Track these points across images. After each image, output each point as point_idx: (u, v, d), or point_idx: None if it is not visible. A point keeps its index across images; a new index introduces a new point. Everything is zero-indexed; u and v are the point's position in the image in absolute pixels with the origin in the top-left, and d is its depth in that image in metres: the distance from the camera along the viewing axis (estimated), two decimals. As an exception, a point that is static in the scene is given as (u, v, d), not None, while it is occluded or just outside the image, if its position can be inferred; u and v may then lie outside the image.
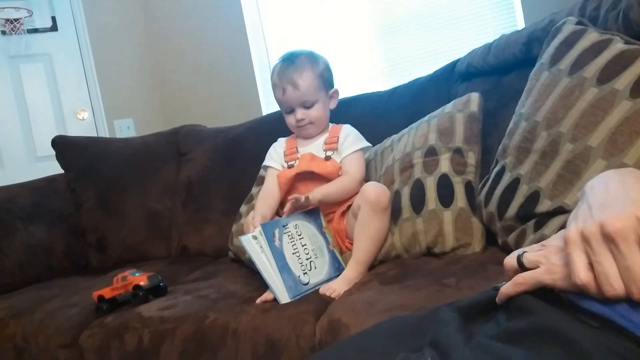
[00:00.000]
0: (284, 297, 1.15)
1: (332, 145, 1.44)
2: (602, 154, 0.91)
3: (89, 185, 2.11)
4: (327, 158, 1.42)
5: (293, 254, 1.22)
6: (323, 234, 1.33)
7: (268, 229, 1.21)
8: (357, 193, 1.38)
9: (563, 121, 0.99)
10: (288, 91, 1.40)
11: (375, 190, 1.26)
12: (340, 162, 1.42)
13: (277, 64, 1.45)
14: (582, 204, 0.50)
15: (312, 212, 1.33)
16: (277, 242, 1.21)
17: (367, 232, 1.26)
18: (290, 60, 1.42)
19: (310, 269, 1.23)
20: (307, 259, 1.24)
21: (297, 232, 1.27)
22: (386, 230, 1.29)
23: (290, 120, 1.46)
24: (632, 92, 0.91)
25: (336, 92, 1.50)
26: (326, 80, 1.45)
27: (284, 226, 1.25)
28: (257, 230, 1.20)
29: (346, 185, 1.38)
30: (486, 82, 1.50)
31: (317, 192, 1.33)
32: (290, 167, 1.45)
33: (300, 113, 1.42)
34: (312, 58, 1.44)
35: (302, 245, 1.25)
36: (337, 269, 1.29)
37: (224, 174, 1.97)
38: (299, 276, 1.20)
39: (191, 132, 2.19)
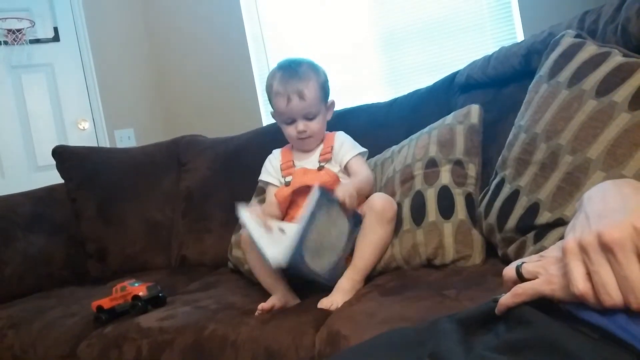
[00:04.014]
0: (280, 256, 1.12)
1: (326, 155, 1.43)
2: (601, 166, 0.91)
3: (89, 195, 2.11)
4: (320, 168, 1.41)
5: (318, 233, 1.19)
6: (351, 239, 1.28)
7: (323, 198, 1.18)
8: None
9: (562, 133, 1.00)
10: (294, 101, 1.35)
11: (381, 201, 1.26)
12: (345, 166, 1.41)
13: (277, 72, 1.40)
14: (580, 214, 0.50)
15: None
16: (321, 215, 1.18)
17: (368, 240, 1.25)
18: (293, 69, 1.38)
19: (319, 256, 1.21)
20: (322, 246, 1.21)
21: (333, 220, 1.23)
22: (388, 241, 1.28)
23: (290, 131, 1.42)
24: (631, 105, 0.91)
25: (333, 103, 1.48)
26: (326, 92, 1.43)
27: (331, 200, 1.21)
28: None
29: (367, 178, 1.37)
30: (485, 94, 1.50)
31: (349, 186, 1.26)
32: (287, 183, 1.42)
33: (302, 125, 1.39)
34: (314, 67, 1.41)
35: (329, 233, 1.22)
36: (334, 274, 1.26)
37: (224, 184, 1.98)
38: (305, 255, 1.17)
39: (192, 142, 2.20)
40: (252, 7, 3.28)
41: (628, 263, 0.43)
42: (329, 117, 1.48)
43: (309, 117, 1.39)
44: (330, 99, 1.47)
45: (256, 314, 1.17)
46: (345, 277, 1.24)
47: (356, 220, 1.28)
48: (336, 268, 1.27)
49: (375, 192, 1.38)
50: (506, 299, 0.54)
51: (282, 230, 1.24)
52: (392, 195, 1.36)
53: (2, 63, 3.15)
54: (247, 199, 1.74)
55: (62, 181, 2.19)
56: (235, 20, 3.26)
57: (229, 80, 3.32)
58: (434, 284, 1.10)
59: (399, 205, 1.32)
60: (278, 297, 1.21)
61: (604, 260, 0.44)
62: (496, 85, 1.50)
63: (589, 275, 0.45)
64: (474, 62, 1.59)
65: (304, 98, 1.35)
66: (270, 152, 1.56)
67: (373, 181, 1.42)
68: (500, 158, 1.19)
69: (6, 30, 3.09)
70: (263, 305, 1.17)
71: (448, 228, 1.23)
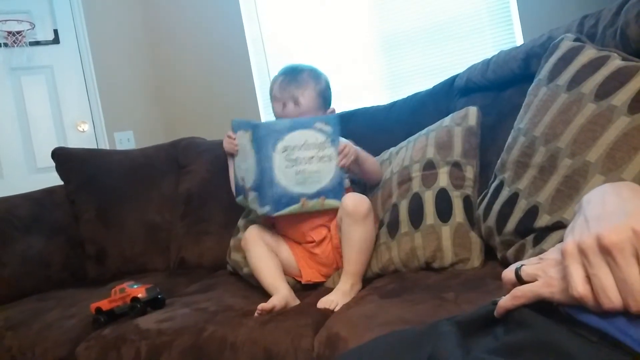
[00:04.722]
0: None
1: None
2: (600, 170, 0.91)
3: (88, 197, 2.10)
4: None
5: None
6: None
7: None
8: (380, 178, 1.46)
9: (561, 136, 1.00)
10: (288, 107, 1.38)
11: (352, 200, 1.27)
12: None
13: (279, 77, 1.43)
14: (579, 217, 0.50)
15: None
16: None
17: (351, 242, 1.26)
18: (293, 75, 1.40)
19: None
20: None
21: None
22: (371, 238, 1.29)
23: None
24: (630, 108, 0.91)
25: (333, 111, 1.48)
26: (326, 99, 1.44)
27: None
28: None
29: (370, 156, 1.43)
30: (485, 97, 1.51)
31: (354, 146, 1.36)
32: None
33: None
34: (314, 75, 1.43)
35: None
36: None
37: (223, 186, 1.96)
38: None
39: (191, 144, 2.20)
40: (252, 10, 3.29)
41: (627, 266, 0.43)
42: None
43: None
44: (331, 107, 1.48)
45: (256, 314, 1.17)
46: (342, 280, 1.25)
47: (337, 191, 1.33)
48: (284, 203, 1.29)
49: (374, 191, 1.38)
50: (505, 302, 0.53)
51: None
52: (390, 196, 1.36)
53: (2, 65, 3.14)
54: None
55: (62, 183, 2.19)
56: (235, 23, 3.26)
57: (228, 83, 3.33)
58: (433, 287, 1.10)
59: (396, 207, 1.32)
60: (278, 298, 1.21)
61: (603, 263, 0.44)
62: (495, 88, 1.50)
63: (588, 278, 0.45)
64: (473, 65, 1.60)
65: (298, 105, 1.37)
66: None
67: (379, 165, 1.45)
68: (499, 161, 1.20)
69: (6, 32, 3.09)
70: (263, 306, 1.17)
71: (446, 231, 1.23)
